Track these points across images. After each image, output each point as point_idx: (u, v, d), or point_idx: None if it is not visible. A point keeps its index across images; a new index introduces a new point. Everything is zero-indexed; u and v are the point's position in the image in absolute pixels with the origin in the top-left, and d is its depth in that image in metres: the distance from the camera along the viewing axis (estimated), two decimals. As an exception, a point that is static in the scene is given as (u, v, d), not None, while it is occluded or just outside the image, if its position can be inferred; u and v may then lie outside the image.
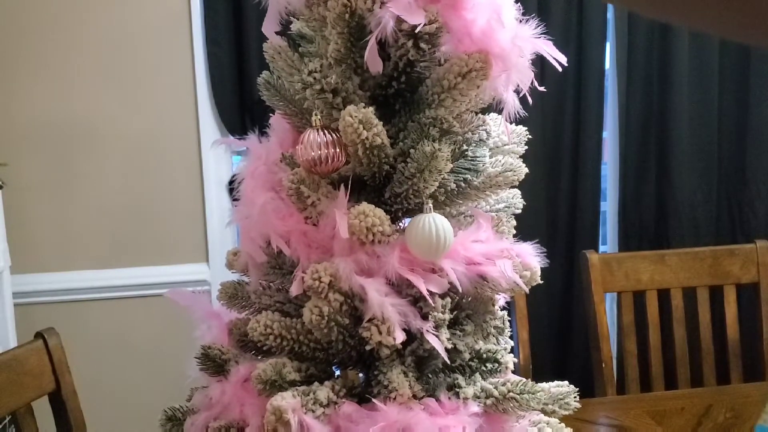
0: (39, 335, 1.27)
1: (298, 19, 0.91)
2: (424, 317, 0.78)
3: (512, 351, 0.94)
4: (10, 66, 1.97)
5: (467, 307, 0.86)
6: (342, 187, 0.80)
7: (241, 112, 2.01)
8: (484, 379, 0.85)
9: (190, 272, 2.06)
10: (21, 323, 1.88)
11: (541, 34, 0.82)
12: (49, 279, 2.03)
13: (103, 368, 2.04)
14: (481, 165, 0.87)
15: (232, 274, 0.97)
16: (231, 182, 1.55)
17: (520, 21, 0.83)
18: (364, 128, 0.76)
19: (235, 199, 0.91)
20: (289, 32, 0.91)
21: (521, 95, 0.82)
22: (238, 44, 1.98)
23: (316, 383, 0.79)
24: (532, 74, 0.81)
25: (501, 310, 0.92)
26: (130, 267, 2.06)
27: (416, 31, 0.77)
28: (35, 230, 2.02)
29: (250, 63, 1.95)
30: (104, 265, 2.05)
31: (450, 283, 0.78)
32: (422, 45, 0.78)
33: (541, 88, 0.84)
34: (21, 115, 1.99)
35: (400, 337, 0.74)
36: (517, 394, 0.81)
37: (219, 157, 2.08)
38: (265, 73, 0.93)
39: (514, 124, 0.92)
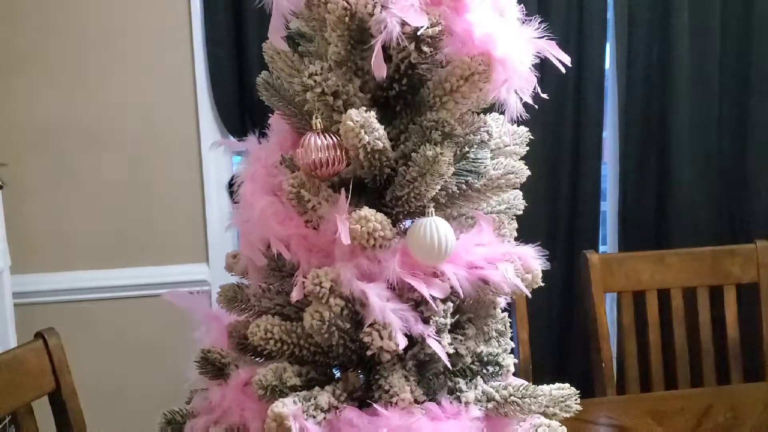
0: (39, 335, 1.27)
1: (297, 18, 0.90)
2: (426, 321, 0.77)
3: (512, 352, 0.94)
4: (10, 66, 1.97)
5: (469, 311, 0.85)
6: (342, 191, 0.80)
7: (241, 113, 2.01)
8: (485, 382, 0.85)
9: (190, 272, 2.06)
10: (21, 323, 1.88)
11: (543, 34, 0.82)
12: (49, 279, 2.03)
13: (103, 368, 2.04)
14: (483, 167, 0.87)
15: (232, 276, 0.97)
16: (231, 183, 1.55)
17: (523, 22, 0.83)
18: (365, 132, 0.76)
19: (235, 202, 0.90)
20: (289, 31, 0.90)
21: (523, 101, 0.82)
22: (238, 44, 1.98)
23: (316, 388, 0.78)
24: (535, 79, 0.81)
25: (502, 312, 0.92)
26: (130, 267, 2.06)
27: (419, 33, 0.77)
28: (35, 230, 2.02)
29: (250, 63, 1.95)
30: (104, 265, 2.05)
31: (451, 287, 0.78)
32: (424, 48, 0.78)
33: (544, 95, 0.84)
34: (21, 115, 1.99)
35: (401, 342, 0.74)
36: (519, 397, 0.81)
37: (219, 157, 2.08)
38: (264, 73, 0.92)
39: (515, 124, 0.92)
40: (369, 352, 0.77)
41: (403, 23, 0.76)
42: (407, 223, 0.84)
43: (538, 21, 0.82)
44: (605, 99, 2.17)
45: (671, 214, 2.19)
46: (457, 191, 0.86)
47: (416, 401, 0.79)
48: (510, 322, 0.94)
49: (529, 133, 0.98)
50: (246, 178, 0.89)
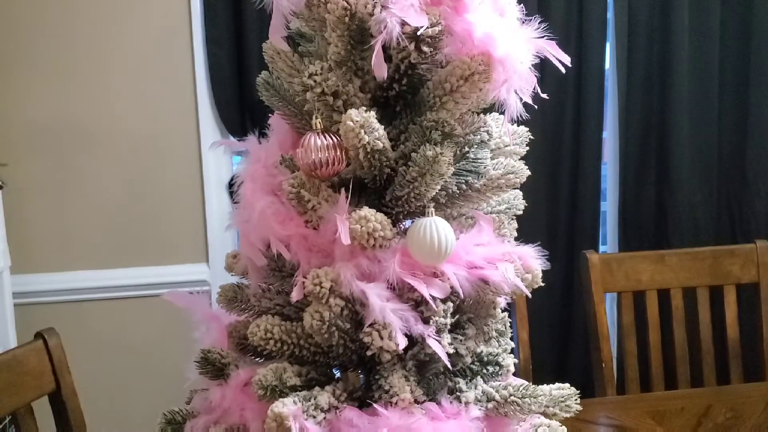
0: (39, 335, 1.27)
1: (297, 18, 0.90)
2: (426, 321, 0.78)
3: (512, 352, 0.94)
4: (9, 66, 1.97)
5: (469, 311, 0.86)
6: (342, 191, 0.80)
7: (241, 112, 2.01)
8: (485, 382, 0.85)
9: (190, 272, 2.06)
10: (21, 323, 1.88)
11: (543, 34, 0.82)
12: (49, 279, 2.03)
13: (103, 368, 2.04)
14: (483, 167, 0.87)
15: (232, 276, 0.97)
16: (231, 183, 1.55)
17: (523, 22, 0.83)
18: (365, 132, 0.76)
19: (235, 202, 0.90)
20: (289, 31, 0.90)
21: (523, 101, 0.82)
22: (238, 44, 1.98)
23: (316, 388, 0.79)
24: (535, 79, 0.81)
25: (502, 312, 0.92)
26: (130, 267, 2.06)
27: (418, 33, 0.77)
28: (35, 230, 2.02)
29: (250, 63, 1.95)
30: (104, 265, 2.05)
31: (451, 287, 0.78)
32: (424, 48, 0.78)
33: (544, 95, 0.84)
34: (21, 115, 1.99)
35: (401, 342, 0.74)
36: (519, 397, 0.81)
37: (219, 157, 2.08)
38: (264, 73, 0.93)
39: (515, 124, 0.92)
40: (369, 352, 0.77)
41: (403, 23, 0.76)
42: (407, 223, 0.84)
43: (538, 21, 0.82)
44: (605, 99, 2.17)
45: (671, 214, 2.19)
46: (457, 191, 0.86)
47: (416, 401, 0.79)
48: (510, 322, 0.94)
49: (529, 133, 0.98)
50: (246, 178, 0.89)
